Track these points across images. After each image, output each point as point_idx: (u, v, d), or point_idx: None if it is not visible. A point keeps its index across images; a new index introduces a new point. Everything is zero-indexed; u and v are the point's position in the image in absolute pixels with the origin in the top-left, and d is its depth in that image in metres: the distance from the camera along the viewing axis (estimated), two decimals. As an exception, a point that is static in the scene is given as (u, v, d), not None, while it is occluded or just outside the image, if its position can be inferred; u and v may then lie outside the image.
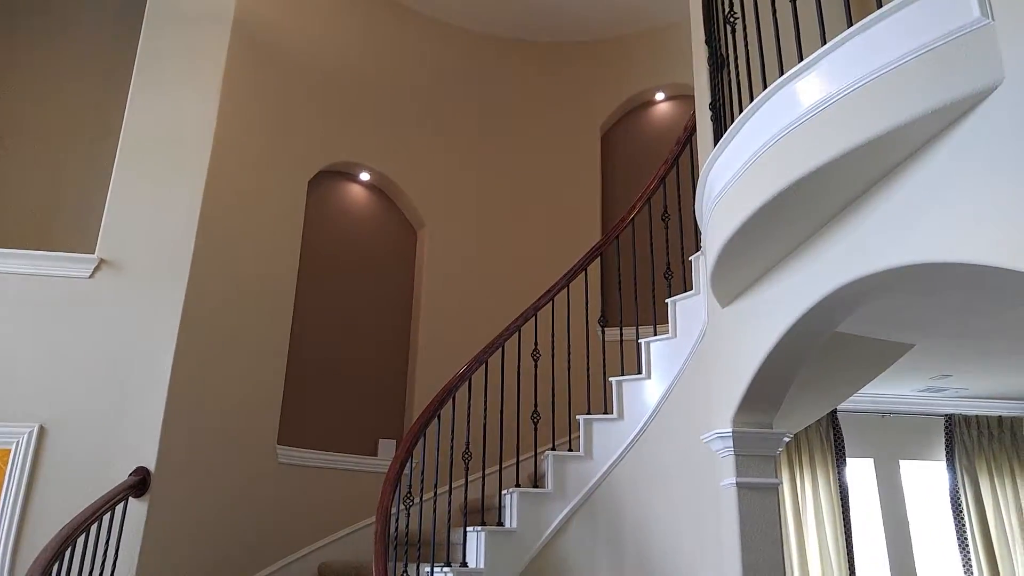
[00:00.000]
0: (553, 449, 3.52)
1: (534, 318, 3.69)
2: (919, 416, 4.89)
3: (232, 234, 3.82)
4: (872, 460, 4.89)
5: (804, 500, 4.62)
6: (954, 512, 4.75)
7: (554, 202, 5.23)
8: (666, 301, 3.71)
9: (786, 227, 2.44)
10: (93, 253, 3.45)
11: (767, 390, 2.87)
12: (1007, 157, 1.60)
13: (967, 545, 4.69)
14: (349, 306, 4.51)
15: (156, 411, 3.24)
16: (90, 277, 3.41)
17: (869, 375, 3.60)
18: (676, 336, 3.58)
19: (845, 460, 4.72)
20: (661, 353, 3.56)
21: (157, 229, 3.52)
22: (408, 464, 3.09)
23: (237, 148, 3.89)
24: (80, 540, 2.80)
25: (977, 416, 4.84)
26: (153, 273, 3.45)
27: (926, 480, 4.98)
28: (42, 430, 3.18)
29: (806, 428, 4.48)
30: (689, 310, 3.58)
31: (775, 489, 2.92)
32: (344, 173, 4.68)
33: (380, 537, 2.66)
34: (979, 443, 4.80)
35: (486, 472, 4.16)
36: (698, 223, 3.20)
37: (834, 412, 4.74)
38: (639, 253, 4.09)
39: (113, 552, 2.93)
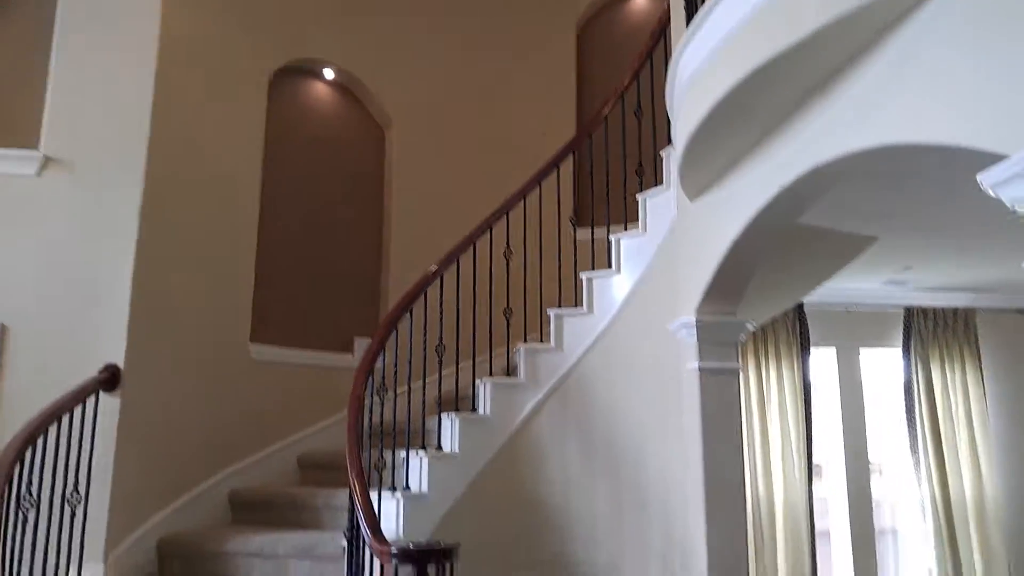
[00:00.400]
0: (525, 343, 3.60)
1: (506, 217, 3.68)
2: (880, 309, 5.06)
3: (190, 130, 3.70)
4: (835, 349, 5.08)
5: (769, 388, 4.83)
6: (906, 396, 5.01)
7: (528, 99, 5.11)
8: (636, 197, 3.72)
9: (753, 113, 2.42)
10: (37, 150, 3.34)
11: (731, 280, 2.94)
12: (971, 36, 1.59)
13: (915, 426, 4.97)
14: (319, 206, 4.46)
15: (121, 309, 3.23)
16: (38, 176, 3.32)
17: (833, 267, 3.69)
18: (646, 232, 3.61)
19: (809, 350, 4.91)
20: (631, 248, 3.60)
21: (106, 125, 3.39)
22: (382, 358, 3.16)
23: (188, 41, 3.70)
24: (52, 431, 2.85)
25: (934, 308, 5.02)
26: (106, 170, 3.36)
27: (883, 367, 5.21)
28: (3, 328, 3.17)
29: (773, 321, 4.62)
30: (659, 206, 3.60)
31: (736, 373, 3.04)
32: (308, 71, 4.51)
33: (352, 426, 2.75)
34: (934, 333, 5.00)
35: (460, 366, 4.26)
36: (669, 114, 3.16)
37: (801, 306, 4.88)
38: (613, 151, 4.06)
39: (88, 444, 2.99)
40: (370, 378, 3.09)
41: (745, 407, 4.78)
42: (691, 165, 2.88)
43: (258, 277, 4.05)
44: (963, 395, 4.99)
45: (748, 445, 4.74)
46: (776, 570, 4.63)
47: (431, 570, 2.09)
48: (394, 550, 2.10)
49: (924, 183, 2.85)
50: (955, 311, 5.06)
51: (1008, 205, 1.49)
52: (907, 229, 3.47)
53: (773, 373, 4.84)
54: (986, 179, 1.50)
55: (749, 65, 2.16)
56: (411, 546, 2.15)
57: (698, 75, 2.58)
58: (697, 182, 3.03)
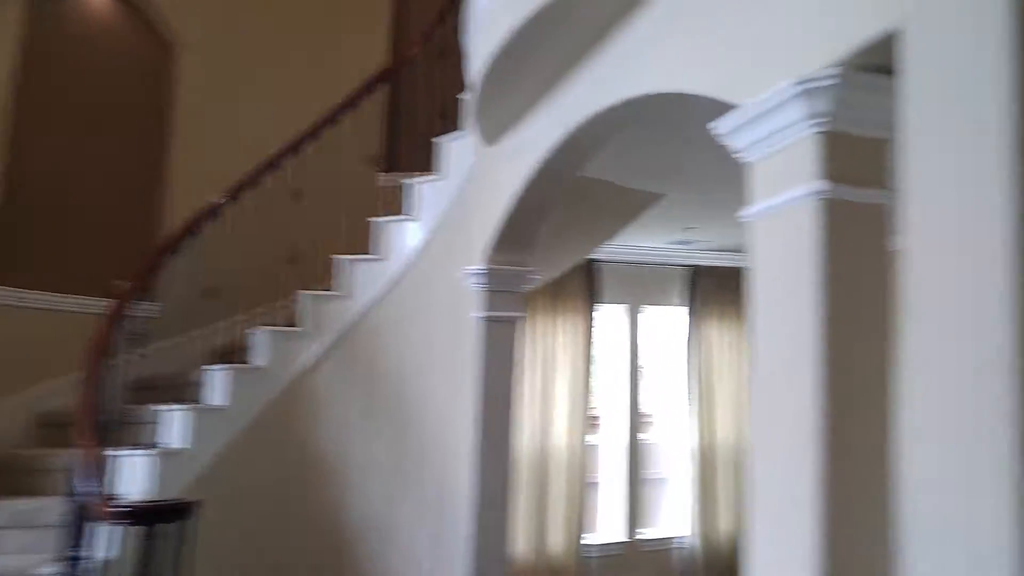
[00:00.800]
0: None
1: (297, 153, 3.41)
2: (668, 267, 5.38)
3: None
4: (627, 306, 5.34)
5: (556, 341, 4.98)
6: (688, 350, 5.40)
7: (336, 26, 4.76)
8: (433, 140, 3.59)
9: (537, 58, 2.37)
10: None
11: (519, 229, 2.93)
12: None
13: (691, 380, 5.38)
14: (87, 134, 3.87)
15: None
16: None
17: (622, 222, 3.82)
18: (447, 178, 3.51)
19: (596, 305, 5.12)
20: (429, 195, 3.48)
21: None
22: (156, 307, 2.81)
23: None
24: None
25: (716, 267, 5.43)
26: None
27: (669, 323, 5.57)
28: None
29: (565, 276, 4.74)
30: (458, 151, 3.50)
31: (518, 323, 3.06)
32: (72, -29, 3.86)
33: (91, 376, 2.41)
34: (714, 292, 5.43)
35: (241, 317, 3.94)
36: (468, 56, 3.05)
37: (592, 263, 5.06)
38: (423, 94, 3.88)
39: None
40: (125, 325, 2.74)
41: (532, 359, 4.89)
42: (484, 109, 2.81)
43: (4, 213, 3.44)
44: (731, 350, 5.47)
45: (532, 396, 4.86)
46: (552, 517, 4.84)
47: (161, 529, 1.88)
48: (114, 509, 1.86)
49: (701, 140, 2.98)
50: (736, 270, 5.50)
51: (736, 153, 1.54)
52: (694, 188, 3.64)
53: (562, 327, 5.00)
54: (719, 127, 1.54)
55: (530, 6, 2.10)
56: (137, 504, 1.92)
57: (487, 15, 2.49)
58: (492, 127, 2.96)
